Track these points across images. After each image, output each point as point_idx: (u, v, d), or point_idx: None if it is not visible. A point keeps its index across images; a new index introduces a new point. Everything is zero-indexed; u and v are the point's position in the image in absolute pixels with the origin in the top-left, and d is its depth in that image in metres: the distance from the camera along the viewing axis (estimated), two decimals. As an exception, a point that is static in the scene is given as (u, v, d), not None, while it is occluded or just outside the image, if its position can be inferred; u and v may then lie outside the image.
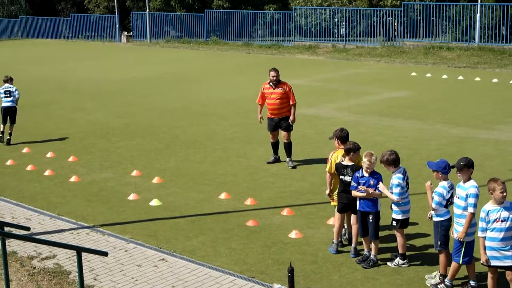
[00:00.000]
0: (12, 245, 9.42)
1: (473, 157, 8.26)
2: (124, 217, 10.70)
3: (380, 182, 8.62)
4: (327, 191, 9.47)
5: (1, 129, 15.85)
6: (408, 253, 8.78)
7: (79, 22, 50.49)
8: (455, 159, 8.30)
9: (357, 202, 8.80)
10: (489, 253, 7.37)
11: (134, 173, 13.12)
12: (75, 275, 8.31)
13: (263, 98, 13.64)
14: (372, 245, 8.72)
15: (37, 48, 43.48)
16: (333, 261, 8.83)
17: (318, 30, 39.46)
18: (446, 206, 8.06)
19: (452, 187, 8.08)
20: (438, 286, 7.97)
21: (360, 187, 8.62)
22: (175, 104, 21.03)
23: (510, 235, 7.35)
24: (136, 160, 14.25)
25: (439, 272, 8.11)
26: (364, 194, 8.62)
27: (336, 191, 9.31)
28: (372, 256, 8.67)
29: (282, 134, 13.60)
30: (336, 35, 39.85)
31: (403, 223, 8.64)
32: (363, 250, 8.90)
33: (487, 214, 7.36)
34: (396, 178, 8.53)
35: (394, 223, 8.63)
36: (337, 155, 9.36)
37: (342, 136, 9.52)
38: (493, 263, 7.40)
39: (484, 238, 7.39)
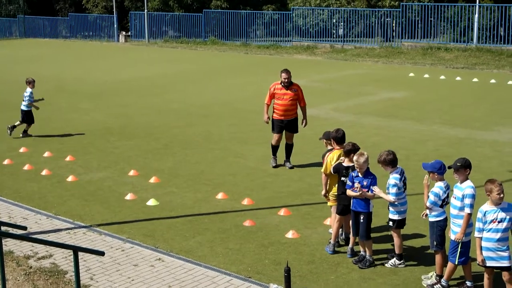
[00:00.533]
0: (9, 244, 9.41)
1: (470, 158, 8.26)
2: (121, 217, 10.69)
3: (375, 186, 8.61)
4: (323, 192, 9.47)
5: (15, 124, 16.70)
6: (404, 253, 8.78)
7: (77, 21, 50.48)
8: (452, 159, 8.30)
9: (351, 201, 8.80)
10: (485, 253, 7.38)
11: (132, 173, 13.11)
12: (72, 275, 8.30)
13: (272, 99, 13.38)
14: (366, 246, 8.72)
15: (35, 47, 43.43)
16: (330, 261, 8.84)
17: (317, 31, 39.49)
18: (442, 206, 8.07)
19: (448, 188, 8.08)
20: (434, 286, 7.97)
21: (356, 185, 8.62)
22: (172, 104, 21.02)
23: (506, 236, 7.36)
24: (133, 160, 14.24)
25: (436, 272, 8.12)
26: (358, 193, 8.62)
27: (332, 192, 9.31)
28: (367, 257, 8.67)
29: (286, 134, 13.44)
30: (334, 36, 39.87)
31: (400, 224, 8.65)
32: (360, 250, 8.90)
33: (484, 215, 7.36)
34: (393, 179, 8.54)
35: (391, 223, 8.63)
36: (332, 156, 9.35)
37: (337, 137, 9.48)
38: (489, 263, 7.40)
39: (481, 238, 7.40)
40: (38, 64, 33.25)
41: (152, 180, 12.59)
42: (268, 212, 10.81)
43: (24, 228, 8.47)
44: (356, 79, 26.39)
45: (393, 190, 8.51)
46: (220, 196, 11.61)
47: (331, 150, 9.59)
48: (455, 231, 7.76)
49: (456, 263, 7.79)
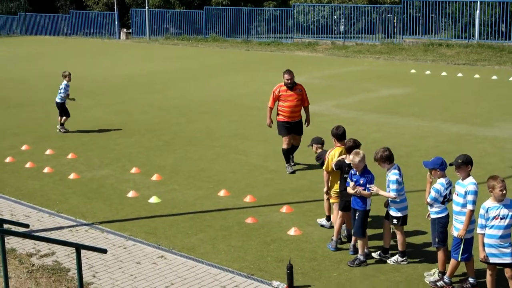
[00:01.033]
0: (11, 242, 9.42)
1: (472, 154, 8.25)
2: (123, 214, 10.70)
3: (372, 185, 8.60)
4: (325, 189, 9.48)
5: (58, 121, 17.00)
6: (407, 250, 8.78)
7: (78, 19, 50.42)
8: (453, 156, 8.30)
9: (351, 198, 8.81)
10: (487, 250, 7.38)
11: (133, 170, 13.12)
12: (74, 272, 8.32)
13: (275, 101, 13.08)
14: (358, 244, 8.70)
15: (36, 45, 43.42)
16: (332, 258, 8.84)
17: (318, 27, 39.42)
18: (443, 203, 8.07)
19: (450, 184, 8.09)
20: (437, 283, 7.98)
21: (351, 185, 8.64)
22: (174, 101, 21.01)
23: (509, 233, 7.36)
24: (135, 157, 14.24)
25: (438, 269, 8.12)
26: (353, 191, 8.63)
27: (334, 189, 9.32)
28: (359, 255, 8.64)
29: (294, 138, 13.11)
30: (335, 32, 39.81)
31: (403, 220, 8.65)
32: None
33: (487, 211, 7.37)
34: (393, 175, 8.54)
35: (395, 221, 8.62)
36: (334, 153, 9.36)
37: (338, 134, 9.49)
38: (492, 260, 7.40)
39: (483, 235, 7.40)
40: (39, 61, 33.25)
41: (154, 177, 12.60)
42: (270, 209, 10.81)
43: (27, 226, 8.47)
44: (358, 75, 26.36)
45: (394, 186, 8.50)
46: (222, 193, 11.62)
47: (325, 151, 9.65)
48: (457, 227, 7.76)
49: (459, 259, 7.79)
